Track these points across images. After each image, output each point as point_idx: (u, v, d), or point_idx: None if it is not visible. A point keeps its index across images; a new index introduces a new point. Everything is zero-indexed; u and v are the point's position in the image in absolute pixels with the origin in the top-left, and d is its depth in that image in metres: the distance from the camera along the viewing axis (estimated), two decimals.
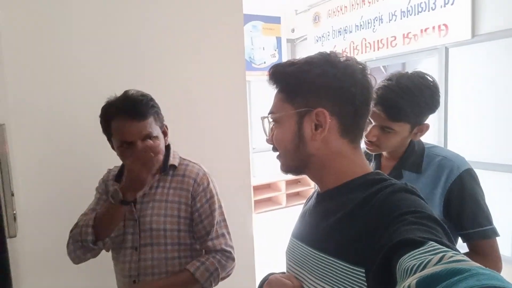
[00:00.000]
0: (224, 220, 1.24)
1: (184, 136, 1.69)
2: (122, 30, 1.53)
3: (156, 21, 1.60)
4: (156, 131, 1.11)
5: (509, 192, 3.09)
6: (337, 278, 0.62)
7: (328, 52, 0.72)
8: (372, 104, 0.74)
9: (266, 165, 5.40)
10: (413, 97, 1.05)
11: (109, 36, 1.50)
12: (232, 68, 1.83)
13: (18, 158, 1.28)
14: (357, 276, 0.59)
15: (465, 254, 0.50)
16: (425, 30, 3.67)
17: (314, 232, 0.73)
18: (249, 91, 5.25)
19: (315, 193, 0.81)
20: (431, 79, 1.10)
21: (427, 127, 1.14)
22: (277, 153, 0.77)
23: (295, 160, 0.73)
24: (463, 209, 1.07)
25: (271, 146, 0.78)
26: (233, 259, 1.21)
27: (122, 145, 1.07)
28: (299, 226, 0.82)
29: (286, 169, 0.76)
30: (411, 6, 3.78)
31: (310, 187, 5.82)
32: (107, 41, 1.49)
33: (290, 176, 6.11)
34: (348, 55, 0.76)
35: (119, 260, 1.18)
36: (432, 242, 0.47)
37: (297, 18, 5.53)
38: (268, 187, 5.93)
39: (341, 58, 0.70)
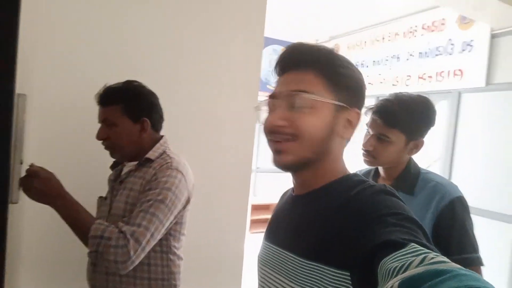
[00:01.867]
0: (153, 214, 1.06)
1: (188, 147, 1.71)
2: (142, 36, 1.61)
3: (175, 32, 1.67)
4: (118, 119, 1.16)
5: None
6: (322, 283, 0.60)
7: None
8: (370, 113, 0.78)
9: (268, 186, 5.37)
10: (408, 106, 1.13)
11: (129, 38, 1.58)
12: (246, 86, 1.87)
13: (34, 129, 1.32)
14: (343, 280, 0.58)
15: None
16: (441, 73, 3.72)
17: (292, 235, 0.71)
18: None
19: (289, 195, 0.80)
20: (429, 100, 1.18)
21: (422, 142, 1.19)
22: (286, 138, 0.67)
23: (313, 152, 0.67)
24: (451, 235, 1.08)
25: (269, 136, 0.69)
26: (128, 254, 1.00)
27: None
28: (274, 230, 0.80)
29: (294, 160, 0.67)
30: (429, 49, 3.86)
31: None
32: (126, 43, 1.57)
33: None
34: None
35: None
36: (413, 244, 0.47)
37: None
38: (266, 208, 5.89)
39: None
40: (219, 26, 1.77)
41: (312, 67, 0.68)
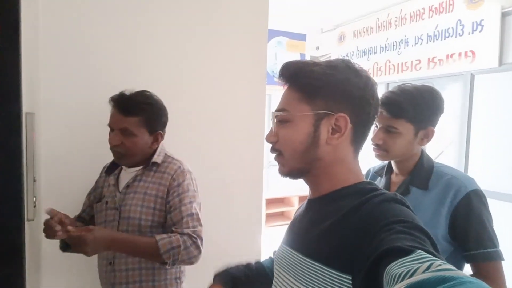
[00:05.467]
0: (197, 214, 1.26)
1: (200, 144, 1.74)
2: (148, 37, 1.60)
3: (180, 30, 1.66)
4: (137, 130, 1.22)
5: None
6: (323, 284, 0.62)
7: (347, 59, 0.73)
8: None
9: (281, 179, 5.36)
10: (411, 95, 1.12)
11: (132, 42, 1.57)
12: (253, 80, 1.86)
13: (43, 146, 1.35)
14: (344, 283, 0.59)
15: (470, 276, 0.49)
16: (451, 55, 3.63)
17: (303, 238, 0.73)
18: (269, 104, 5.29)
19: (307, 200, 0.81)
20: (434, 88, 1.17)
21: (432, 131, 1.16)
22: (276, 153, 0.75)
23: (301, 162, 0.71)
24: (468, 229, 1.06)
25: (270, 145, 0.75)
26: (199, 248, 1.21)
27: (110, 130, 1.24)
28: (289, 232, 0.82)
29: (288, 171, 0.74)
30: (438, 31, 3.76)
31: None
32: (131, 47, 1.57)
33: (303, 192, 6.12)
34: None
35: None
36: (420, 251, 0.47)
37: (322, 36, 5.58)
38: (281, 201, 5.91)
39: (358, 67, 0.72)
40: (223, 22, 1.76)
41: (291, 83, 0.73)
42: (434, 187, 1.13)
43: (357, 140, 0.72)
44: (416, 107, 1.11)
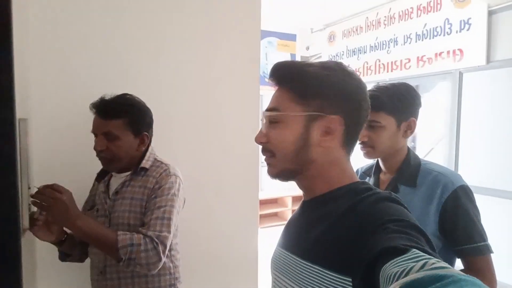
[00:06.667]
0: (168, 219, 1.18)
1: (194, 145, 1.72)
2: (141, 40, 1.58)
3: (174, 32, 1.65)
4: (121, 133, 1.19)
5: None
6: (322, 286, 0.62)
7: (338, 61, 0.74)
8: None
9: (274, 181, 5.37)
10: (387, 89, 1.18)
11: (125, 43, 1.55)
12: (246, 80, 1.85)
13: (36, 152, 1.33)
14: (344, 285, 0.59)
15: (461, 271, 0.50)
16: (440, 54, 3.69)
17: (299, 240, 0.72)
18: (261, 105, 5.30)
19: (301, 201, 0.80)
20: (409, 84, 1.23)
21: (414, 122, 1.20)
22: (268, 154, 0.73)
23: (292, 163, 0.70)
24: (457, 224, 1.08)
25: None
26: (159, 255, 1.13)
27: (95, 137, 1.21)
28: (284, 235, 0.81)
29: (278, 172, 0.72)
30: (426, 30, 3.81)
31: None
32: (123, 49, 1.55)
33: (297, 192, 6.14)
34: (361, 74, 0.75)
35: (91, 252, 1.27)
36: (415, 250, 0.47)
37: (313, 36, 5.60)
38: (275, 202, 5.91)
39: (350, 69, 0.72)
40: (215, 23, 1.75)
41: (283, 83, 0.72)
42: (421, 184, 1.15)
43: (349, 142, 0.72)
44: (393, 98, 1.15)
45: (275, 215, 5.85)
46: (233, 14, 1.79)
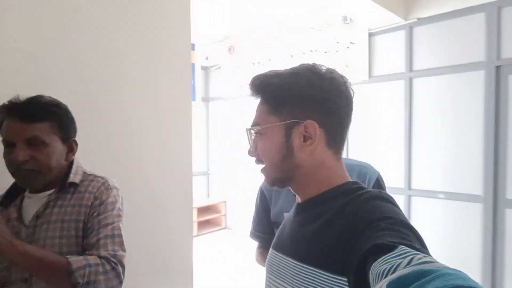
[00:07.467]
0: (120, 236, 1.05)
1: (126, 155, 1.61)
2: (74, 50, 1.41)
3: (101, 42, 1.51)
4: (49, 139, 1.00)
5: (469, 220, 3.15)
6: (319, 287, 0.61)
7: (311, 63, 0.73)
8: None
9: (222, 187, 5.65)
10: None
11: (54, 49, 1.34)
12: (177, 91, 1.84)
13: None
14: (340, 286, 0.58)
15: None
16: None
17: (294, 242, 0.72)
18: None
19: (295, 204, 0.80)
20: None
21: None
22: (262, 166, 0.75)
23: (282, 171, 0.72)
24: None
25: (254, 159, 0.76)
26: (119, 276, 0.99)
27: (6, 147, 0.98)
28: (279, 238, 0.80)
29: (271, 181, 0.75)
30: (319, 46, 4.20)
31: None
32: (53, 52, 1.33)
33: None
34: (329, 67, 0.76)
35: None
36: (402, 246, 0.48)
37: (212, 47, 5.63)
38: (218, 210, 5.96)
39: (323, 69, 0.72)
40: (145, 33, 1.69)
41: (259, 96, 0.75)
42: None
43: (334, 142, 0.72)
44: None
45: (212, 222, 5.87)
46: (163, 27, 1.81)
